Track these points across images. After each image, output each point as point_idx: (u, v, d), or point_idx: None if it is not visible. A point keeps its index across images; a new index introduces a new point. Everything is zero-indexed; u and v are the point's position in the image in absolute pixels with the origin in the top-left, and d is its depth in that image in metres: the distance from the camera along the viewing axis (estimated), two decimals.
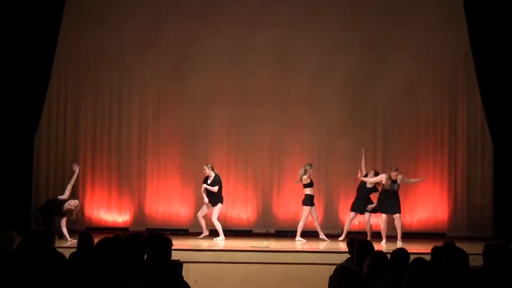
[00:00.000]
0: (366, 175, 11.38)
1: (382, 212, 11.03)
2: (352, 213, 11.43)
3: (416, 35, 12.75)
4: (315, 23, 12.85)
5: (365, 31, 12.80)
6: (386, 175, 11.01)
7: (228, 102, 12.87)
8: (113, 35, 12.75)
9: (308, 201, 11.28)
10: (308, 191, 11.29)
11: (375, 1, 12.95)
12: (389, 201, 10.92)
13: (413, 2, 12.90)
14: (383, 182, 10.95)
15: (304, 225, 11.34)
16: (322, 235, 11.33)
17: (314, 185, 11.38)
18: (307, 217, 11.30)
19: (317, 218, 11.38)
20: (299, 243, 11.07)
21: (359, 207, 11.37)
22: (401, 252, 4.82)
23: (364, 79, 12.89)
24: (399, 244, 10.61)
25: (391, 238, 10.98)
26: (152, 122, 12.89)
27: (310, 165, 11.41)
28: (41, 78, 11.55)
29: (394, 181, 10.93)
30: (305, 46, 12.84)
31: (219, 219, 11.24)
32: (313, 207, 11.34)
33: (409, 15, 12.84)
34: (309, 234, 11.62)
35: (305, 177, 11.23)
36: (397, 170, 10.97)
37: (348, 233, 11.08)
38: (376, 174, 11.31)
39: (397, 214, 10.92)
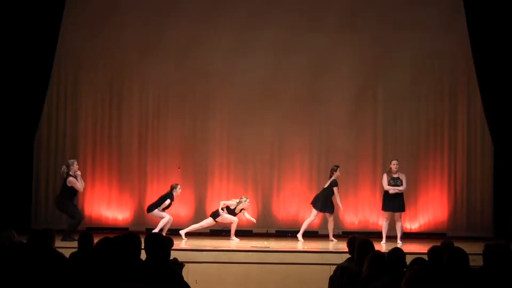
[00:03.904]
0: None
1: (386, 210, 11.00)
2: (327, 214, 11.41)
3: (416, 35, 12.75)
4: (315, 24, 12.85)
5: (365, 32, 12.80)
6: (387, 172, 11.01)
7: (228, 103, 12.88)
8: (113, 35, 12.75)
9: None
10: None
11: (375, 2, 12.95)
12: (393, 200, 10.88)
13: (413, 2, 12.89)
14: (385, 180, 10.93)
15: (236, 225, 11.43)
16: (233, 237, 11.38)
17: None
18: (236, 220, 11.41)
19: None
20: (234, 242, 11.12)
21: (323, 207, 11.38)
22: (397, 252, 4.82)
23: (364, 79, 12.89)
24: (399, 244, 10.61)
25: (391, 238, 10.98)
26: (152, 122, 12.88)
27: (246, 198, 11.44)
28: (41, 78, 11.55)
29: (396, 178, 10.88)
30: (305, 46, 12.83)
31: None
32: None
33: (409, 15, 12.84)
34: (309, 234, 11.62)
35: (239, 206, 11.32)
36: (396, 160, 10.99)
37: (348, 233, 11.06)
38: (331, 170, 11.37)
39: (399, 213, 10.90)
